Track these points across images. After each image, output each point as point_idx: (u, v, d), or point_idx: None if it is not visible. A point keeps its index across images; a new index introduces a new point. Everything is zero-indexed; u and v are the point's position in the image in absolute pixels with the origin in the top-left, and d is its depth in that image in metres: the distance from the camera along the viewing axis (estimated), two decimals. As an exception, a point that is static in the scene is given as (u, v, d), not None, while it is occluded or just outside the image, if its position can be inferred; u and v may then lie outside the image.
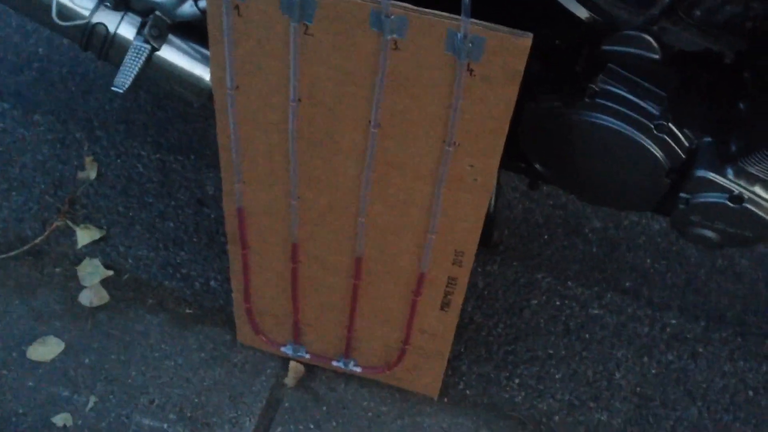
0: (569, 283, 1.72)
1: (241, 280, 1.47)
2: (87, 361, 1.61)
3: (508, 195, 1.80)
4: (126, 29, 1.33)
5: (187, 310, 1.68)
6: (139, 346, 1.63)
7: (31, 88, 1.92)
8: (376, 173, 1.19)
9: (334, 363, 1.58)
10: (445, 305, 1.38)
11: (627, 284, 1.72)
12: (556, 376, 1.62)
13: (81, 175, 1.80)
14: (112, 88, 1.28)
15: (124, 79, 1.28)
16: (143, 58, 1.28)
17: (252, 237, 1.37)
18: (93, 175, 1.80)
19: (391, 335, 1.47)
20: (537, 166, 1.33)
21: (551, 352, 1.65)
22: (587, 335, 1.67)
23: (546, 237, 1.76)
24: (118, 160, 1.82)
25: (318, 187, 1.25)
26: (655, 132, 1.15)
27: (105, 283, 1.69)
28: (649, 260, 1.74)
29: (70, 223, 1.74)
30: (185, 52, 1.34)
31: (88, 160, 1.81)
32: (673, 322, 1.68)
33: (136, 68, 1.28)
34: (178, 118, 1.87)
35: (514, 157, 1.35)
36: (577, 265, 1.73)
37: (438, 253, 1.28)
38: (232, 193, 1.31)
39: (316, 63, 1.10)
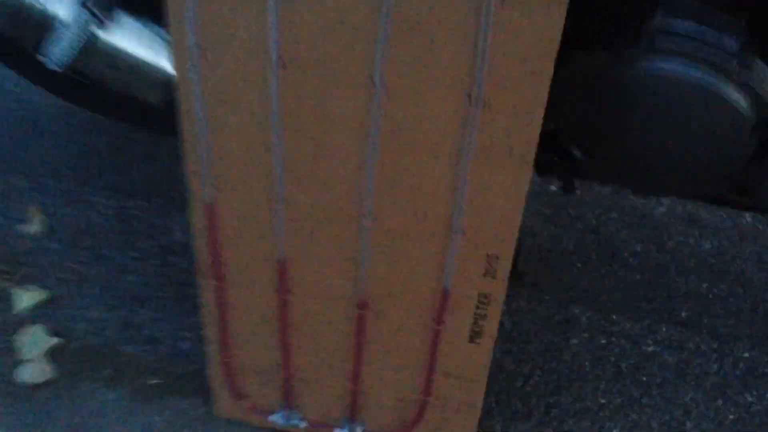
0: (614, 316, 1.43)
1: (215, 324, 1.17)
2: (26, 451, 1.29)
3: (528, 221, 1.53)
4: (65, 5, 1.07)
5: (151, 381, 1.36)
6: (91, 428, 1.31)
7: (-33, 138, 1.66)
8: (383, 155, 0.92)
9: (337, 431, 1.27)
10: (475, 335, 1.08)
11: (683, 314, 1.43)
12: (614, 431, 1.31)
13: (22, 228, 1.51)
14: (49, 65, 1.02)
15: (62, 54, 1.02)
16: (85, 31, 1.02)
17: (228, 262, 1.08)
18: (37, 228, 1.51)
19: (407, 384, 1.16)
20: (575, 152, 1.07)
21: (603, 401, 1.34)
22: (644, 378, 1.36)
23: (579, 265, 1.48)
24: (67, 209, 1.54)
25: (308, 183, 0.97)
26: (735, 75, 0.89)
27: (50, 353, 1.38)
28: (705, 285, 1.46)
29: (7, 285, 1.45)
30: (140, 35, 1.09)
31: (31, 210, 1.53)
32: (746, 355, 1.38)
33: (77, 43, 1.02)
34: (140, 159, 1.61)
35: (542, 146, 1.10)
36: (620, 295, 1.45)
37: (465, 260, 0.99)
38: (201, 199, 1.03)
39: (301, 12, 0.85)
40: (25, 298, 1.43)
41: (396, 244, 1.00)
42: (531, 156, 0.90)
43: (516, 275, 1.43)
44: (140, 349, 1.39)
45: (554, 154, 1.12)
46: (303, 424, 1.27)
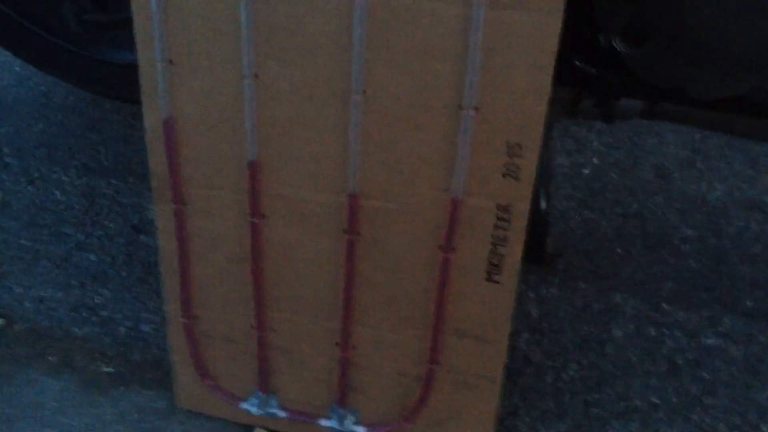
0: (664, 306, 1.18)
1: (175, 271, 0.95)
2: (-57, 444, 1.05)
3: (560, 204, 1.31)
4: None
5: (105, 368, 1.13)
6: (26, 421, 1.07)
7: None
8: (375, 9, 0.73)
9: (324, 423, 1.01)
10: (493, 270, 0.84)
11: (749, 304, 1.18)
12: (671, 436, 1.04)
13: (-24, 205, 1.33)
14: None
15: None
16: None
17: (189, 177, 0.87)
18: (-7, 204, 1.33)
19: (410, 349, 0.92)
20: (616, 44, 0.86)
21: (656, 400, 1.08)
22: (706, 374, 1.10)
23: (620, 251, 1.25)
24: (30, 187, 1.35)
25: (284, 54, 0.78)
26: None
27: (-12, 336, 1.16)
28: (773, 272, 1.22)
29: (-51, 261, 1.25)
30: None
31: (-12, 187, 1.35)
32: (830, 350, 1.12)
33: None
34: (116, 140, 1.43)
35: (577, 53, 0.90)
36: (671, 283, 1.21)
37: (480, 151, 0.77)
38: (155, 111, 0.84)
39: (275, 20, 0.71)
40: (-33, 275, 1.23)
41: (393, 129, 0.78)
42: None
43: (545, 258, 1.20)
44: (95, 331, 1.16)
45: (589, 63, 0.92)
46: (282, 414, 1.02)
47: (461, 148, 0.78)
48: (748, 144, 1.36)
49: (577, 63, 0.93)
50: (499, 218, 0.81)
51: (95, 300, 1.20)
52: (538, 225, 1.19)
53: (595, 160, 1.38)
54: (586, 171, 1.36)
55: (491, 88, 0.75)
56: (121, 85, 1.30)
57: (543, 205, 1.19)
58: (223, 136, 0.84)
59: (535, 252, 1.20)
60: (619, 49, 0.86)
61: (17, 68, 1.55)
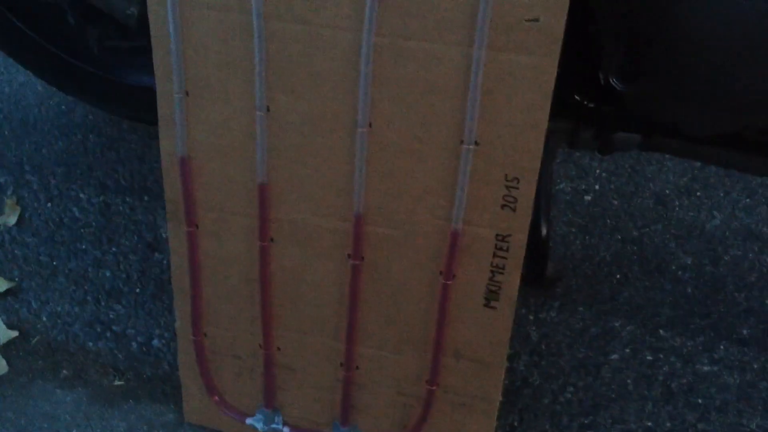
0: (661, 332, 1.21)
1: (186, 289, 0.99)
2: (-40, 453, 1.09)
3: (560, 230, 1.35)
4: None
5: (116, 382, 1.17)
6: (39, 432, 1.11)
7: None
8: (380, 50, 0.78)
9: (326, 439, 1.05)
10: (491, 296, 0.88)
11: (744, 332, 1.21)
12: (664, 459, 1.07)
13: (-3, 221, 1.37)
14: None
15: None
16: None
17: (201, 201, 0.92)
18: (12, 220, 1.37)
19: (409, 369, 0.95)
20: (613, 81, 0.90)
21: (650, 424, 1.11)
22: (700, 400, 1.13)
23: (618, 277, 1.28)
24: (49, 204, 1.39)
25: (294, 87, 0.82)
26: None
27: (6, 349, 1.20)
28: (769, 301, 1.25)
29: (-30, 275, 1.29)
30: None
31: (9, 203, 1.39)
32: (823, 378, 1.15)
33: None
34: (132, 159, 1.48)
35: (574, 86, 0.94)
36: (668, 310, 1.24)
37: (479, 184, 0.81)
38: (172, 139, 0.89)
39: (286, 56, 0.78)
40: (-14, 289, 1.27)
41: (396, 160, 0.82)
42: (560, 32, 0.74)
43: (545, 281, 1.23)
44: (108, 346, 1.20)
45: (588, 98, 0.96)
46: (285, 430, 1.06)
47: (461, 180, 0.82)
48: (746, 174, 1.39)
49: (576, 97, 0.97)
50: (497, 247, 0.85)
51: (109, 315, 1.24)
52: (538, 249, 1.23)
53: (596, 187, 1.42)
54: (588, 197, 1.40)
55: (491, 124, 0.79)
56: (138, 106, 1.35)
57: (544, 230, 1.23)
58: (234, 163, 0.88)
59: (536, 276, 1.23)
60: (616, 86, 0.90)
61: (39, 88, 1.60)
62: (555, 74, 0.75)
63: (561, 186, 1.42)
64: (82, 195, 1.41)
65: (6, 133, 1.54)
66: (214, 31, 0.82)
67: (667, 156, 1.46)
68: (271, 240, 0.92)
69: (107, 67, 1.33)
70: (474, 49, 0.75)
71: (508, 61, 0.75)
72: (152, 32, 0.84)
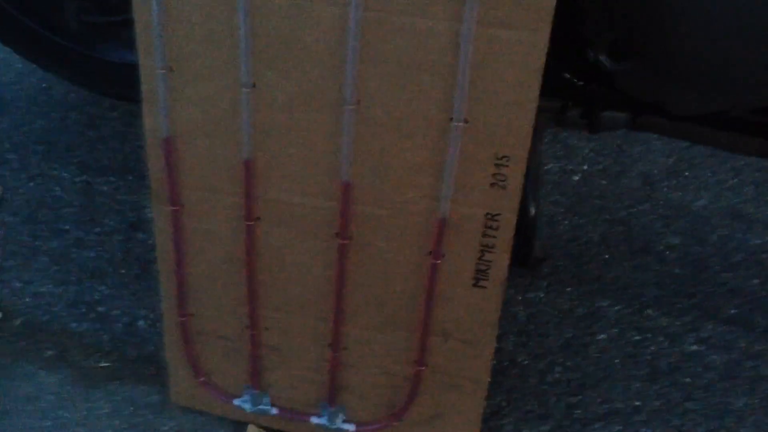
0: (648, 311, 1.21)
1: (171, 269, 0.97)
2: (-59, 435, 1.08)
3: (547, 210, 1.34)
4: None
5: (101, 363, 1.15)
6: (21, 414, 1.09)
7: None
8: (366, 24, 0.76)
9: (314, 420, 1.04)
10: (481, 276, 0.88)
11: (731, 311, 1.21)
12: (650, 438, 1.08)
13: (-24, 200, 1.35)
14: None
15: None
16: None
17: (186, 180, 0.90)
18: (-7, 200, 1.35)
19: (397, 349, 0.95)
20: (603, 60, 0.89)
21: (638, 403, 1.11)
22: (688, 379, 1.13)
23: (606, 257, 1.28)
24: (30, 184, 1.37)
25: (279, 63, 0.81)
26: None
27: (-13, 330, 1.19)
28: (756, 281, 1.25)
29: (-51, 255, 1.27)
30: None
31: (-12, 183, 1.37)
32: (807, 357, 1.16)
33: None
34: (114, 137, 1.46)
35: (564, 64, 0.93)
36: (655, 289, 1.24)
37: (469, 162, 0.80)
38: (155, 116, 0.87)
39: (272, 31, 0.76)
40: (-33, 270, 1.25)
41: (384, 138, 0.81)
42: (551, 7, 0.73)
43: (532, 261, 1.23)
44: (92, 327, 1.19)
45: (577, 76, 0.95)
46: (273, 411, 1.05)
47: (450, 158, 0.80)
48: (733, 154, 1.39)
49: (565, 75, 0.96)
50: (487, 226, 0.84)
51: (93, 296, 1.22)
52: (526, 229, 1.22)
53: (584, 167, 1.41)
54: (575, 177, 1.40)
55: (480, 101, 0.78)
56: (119, 83, 1.33)
57: (531, 210, 1.22)
58: (220, 141, 0.87)
59: (523, 256, 1.23)
60: (605, 64, 0.89)
61: (18, 65, 1.58)
62: (545, 50, 0.74)
63: (549, 166, 1.41)
64: (63, 174, 1.39)
65: (-16, 111, 1.51)
66: (198, 5, 0.80)
67: (654, 136, 1.45)
68: (257, 219, 0.91)
69: (86, 42, 1.31)
70: (463, 24, 0.74)
71: (497, 37, 0.73)
72: (134, 5, 0.82)
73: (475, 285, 0.88)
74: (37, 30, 1.32)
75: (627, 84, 0.90)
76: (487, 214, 0.83)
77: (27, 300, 1.22)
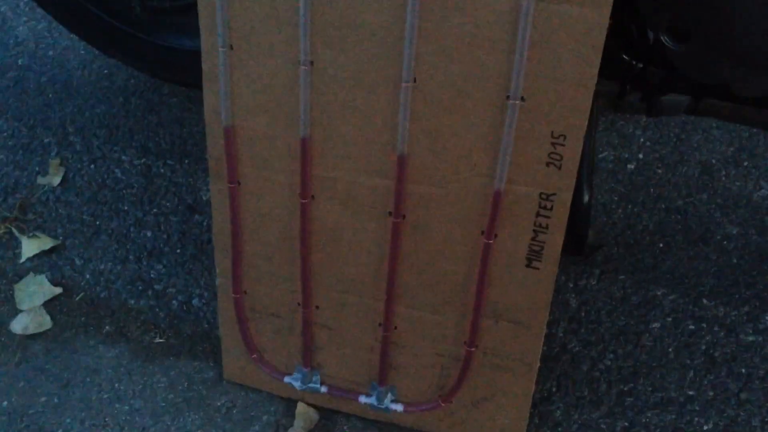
0: (704, 301, 1.19)
1: (227, 246, 0.99)
2: (5, 404, 1.11)
3: (602, 198, 1.33)
4: None
5: (157, 339, 1.18)
6: (81, 386, 1.13)
7: (1, 95, 1.56)
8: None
9: (363, 399, 1.05)
10: (534, 256, 0.87)
11: (791, 303, 1.19)
12: (705, 428, 1.06)
13: (41, 180, 1.39)
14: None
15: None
16: None
17: (245, 157, 0.92)
18: (57, 180, 1.39)
19: (448, 329, 0.95)
20: (664, 39, 0.88)
21: (692, 393, 1.09)
22: (743, 370, 1.11)
23: (661, 245, 1.26)
24: (92, 166, 1.41)
25: (337, 42, 0.82)
26: None
27: (50, 304, 1.22)
28: (817, 273, 1.22)
29: (15, 232, 1.31)
30: None
31: (53, 164, 1.41)
32: None
33: None
34: (173, 122, 1.49)
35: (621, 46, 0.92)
36: (712, 279, 1.22)
37: (524, 141, 0.80)
38: (215, 94, 0.88)
39: (330, 9, 0.78)
40: (32, 246, 1.29)
41: (440, 116, 0.82)
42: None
43: (586, 249, 1.22)
44: (149, 304, 1.22)
45: (636, 58, 0.94)
46: (323, 389, 1.06)
47: (506, 136, 0.80)
48: (796, 143, 1.35)
49: (624, 57, 0.95)
50: (541, 206, 0.84)
51: (150, 274, 1.25)
52: (579, 217, 1.21)
53: (640, 156, 1.39)
54: (631, 166, 1.38)
55: (538, 78, 0.77)
56: (180, 69, 1.35)
57: (585, 197, 1.21)
58: (277, 118, 0.88)
59: (576, 243, 1.22)
60: (666, 45, 0.88)
61: (82, 51, 1.62)
62: (606, 27, 0.73)
63: (603, 154, 1.40)
64: (124, 157, 1.43)
65: (50, 95, 1.55)
66: (259, -17, 0.81)
67: (713, 125, 1.43)
68: (312, 197, 0.92)
69: (149, 28, 1.34)
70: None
71: (557, 13, 0.73)
72: (197, -15, 0.84)
73: (528, 266, 0.88)
74: (101, 16, 1.35)
75: (688, 65, 0.88)
76: (542, 194, 0.83)
77: (87, 277, 1.26)
